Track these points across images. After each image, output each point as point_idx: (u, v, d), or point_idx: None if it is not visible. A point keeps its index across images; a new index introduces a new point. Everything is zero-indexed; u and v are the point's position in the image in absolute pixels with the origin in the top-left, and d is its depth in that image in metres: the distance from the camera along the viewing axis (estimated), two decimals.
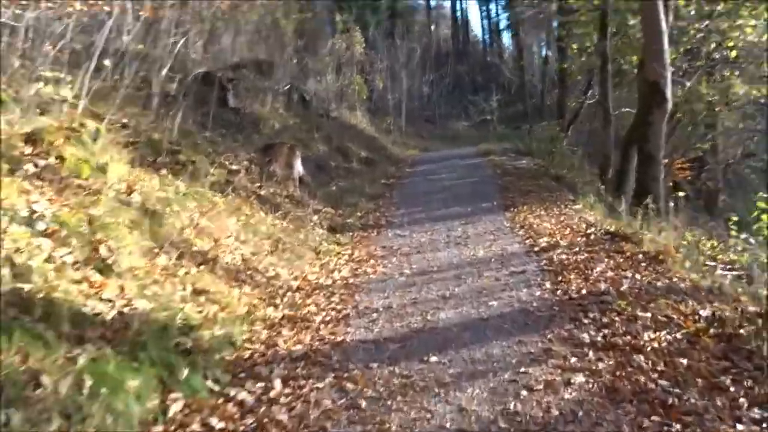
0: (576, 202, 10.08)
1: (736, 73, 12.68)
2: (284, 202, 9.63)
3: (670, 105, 10.55)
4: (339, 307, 5.94)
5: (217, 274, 5.99)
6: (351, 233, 9.20)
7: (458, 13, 47.78)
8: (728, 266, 6.64)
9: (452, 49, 42.05)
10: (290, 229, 8.47)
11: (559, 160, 14.72)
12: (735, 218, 8.87)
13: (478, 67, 38.62)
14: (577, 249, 7.11)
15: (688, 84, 12.30)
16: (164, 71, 9.78)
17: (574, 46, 14.64)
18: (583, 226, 8.37)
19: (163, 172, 7.62)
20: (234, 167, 9.71)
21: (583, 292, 5.62)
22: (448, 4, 52.89)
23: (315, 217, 9.41)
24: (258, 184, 9.62)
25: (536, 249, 7.32)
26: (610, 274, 6.10)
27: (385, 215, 10.41)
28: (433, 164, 17.62)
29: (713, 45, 12.62)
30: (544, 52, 28.76)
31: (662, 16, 10.38)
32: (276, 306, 5.96)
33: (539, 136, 19.88)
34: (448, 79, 34.24)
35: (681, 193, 10.21)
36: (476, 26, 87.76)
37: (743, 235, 7.71)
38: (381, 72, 26.63)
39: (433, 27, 46.49)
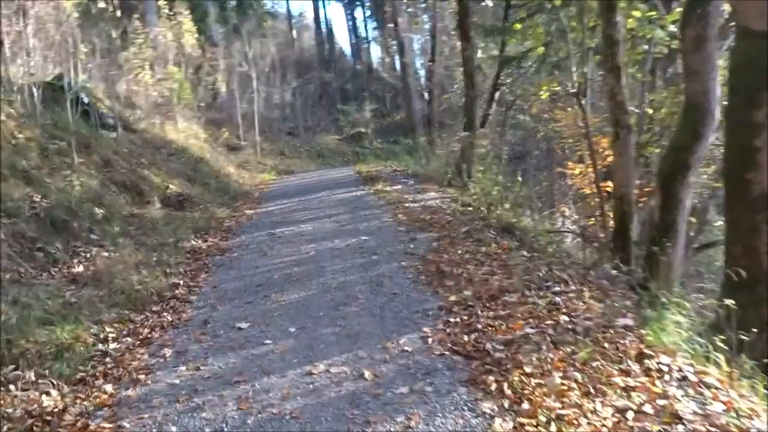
0: (648, 332, 3.55)
1: None
2: None
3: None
4: None
5: None
6: None
7: (322, 22, 41.14)
8: None
9: (317, 55, 35.21)
10: None
11: (492, 194, 8.35)
12: None
13: (348, 73, 32.09)
14: None
15: None
16: None
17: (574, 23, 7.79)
18: None
19: None
20: None
21: None
22: (311, 16, 46.20)
23: None
24: None
25: None
26: None
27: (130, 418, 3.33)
28: (293, 200, 10.65)
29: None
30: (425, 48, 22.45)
31: None
32: None
33: (439, 152, 13.54)
34: (313, 87, 27.32)
35: None
36: (342, 35, 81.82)
37: None
38: (225, 72, 19.23)
39: (295, 35, 39.56)
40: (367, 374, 3.34)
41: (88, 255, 6.32)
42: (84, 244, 6.63)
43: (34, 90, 8.47)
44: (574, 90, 6.47)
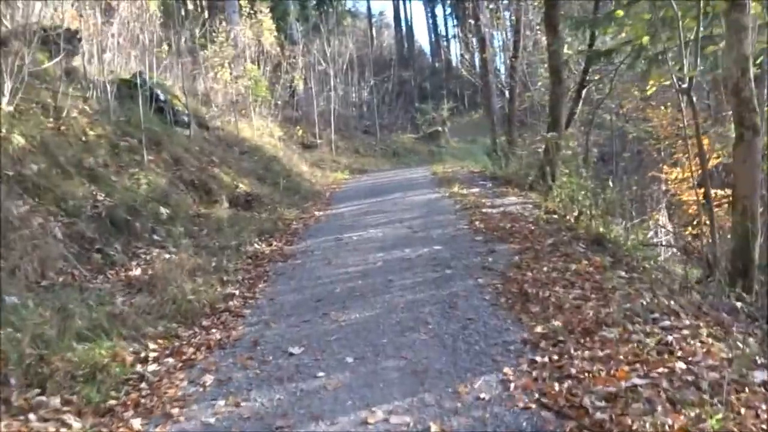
0: None
1: None
2: None
3: None
4: None
5: None
6: None
7: (402, 20, 40.71)
8: None
9: (396, 53, 34.74)
10: None
11: (579, 200, 7.52)
12: None
13: (426, 71, 31.42)
14: None
15: None
16: None
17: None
18: None
19: None
20: None
21: None
22: (390, 15, 45.78)
23: None
24: None
25: None
26: None
27: None
28: (365, 201, 10.14)
29: None
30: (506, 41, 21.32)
31: None
32: None
33: (519, 153, 12.67)
34: (390, 85, 26.80)
35: None
36: (421, 33, 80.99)
37: None
38: (303, 70, 19.03)
39: (374, 33, 39.32)
40: (433, 429, 2.70)
41: (148, 257, 6.01)
42: (145, 245, 6.34)
43: (108, 86, 8.34)
44: (685, 85, 5.56)
